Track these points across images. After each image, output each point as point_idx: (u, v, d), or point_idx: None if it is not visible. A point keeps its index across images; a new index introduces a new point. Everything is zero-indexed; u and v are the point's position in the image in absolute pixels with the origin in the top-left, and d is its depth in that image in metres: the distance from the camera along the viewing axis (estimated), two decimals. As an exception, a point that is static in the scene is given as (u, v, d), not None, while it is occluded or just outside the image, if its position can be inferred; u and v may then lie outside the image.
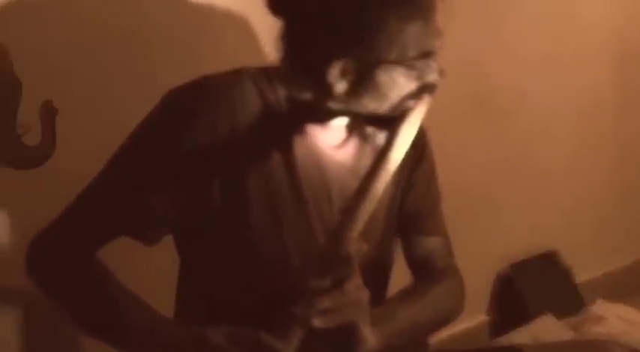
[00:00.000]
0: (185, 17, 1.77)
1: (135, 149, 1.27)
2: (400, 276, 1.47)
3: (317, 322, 1.14)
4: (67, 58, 1.62)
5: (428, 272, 1.45)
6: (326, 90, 1.21)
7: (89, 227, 1.28)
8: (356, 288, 1.17)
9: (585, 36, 2.73)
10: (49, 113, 1.60)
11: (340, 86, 1.20)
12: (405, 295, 1.39)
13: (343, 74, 1.19)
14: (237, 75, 1.29)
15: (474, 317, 2.54)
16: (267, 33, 1.79)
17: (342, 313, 1.16)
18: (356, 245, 1.17)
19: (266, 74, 1.29)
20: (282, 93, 1.28)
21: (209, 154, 1.23)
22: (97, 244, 1.28)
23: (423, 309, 1.37)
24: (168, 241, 1.37)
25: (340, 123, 1.31)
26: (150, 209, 1.25)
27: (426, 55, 1.21)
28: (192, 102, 1.24)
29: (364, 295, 1.19)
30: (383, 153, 1.22)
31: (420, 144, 1.42)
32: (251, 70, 1.30)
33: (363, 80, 1.20)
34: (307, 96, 1.25)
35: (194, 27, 1.78)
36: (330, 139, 1.32)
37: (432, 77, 1.24)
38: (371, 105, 1.23)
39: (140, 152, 1.27)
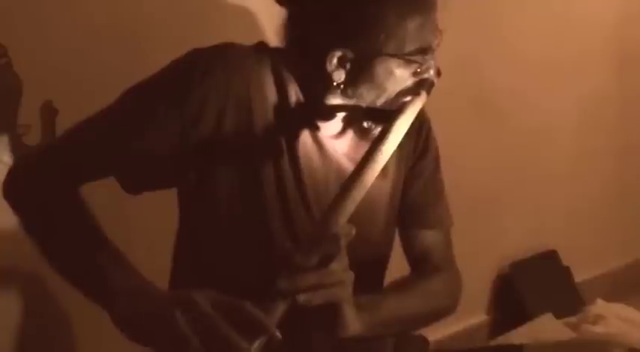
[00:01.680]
0: (185, 17, 1.77)
1: (143, 89, 1.27)
2: (398, 270, 1.47)
3: (300, 298, 1.13)
4: (67, 58, 1.62)
5: (425, 266, 1.46)
6: (325, 80, 1.23)
7: (76, 158, 1.27)
8: (342, 269, 1.17)
9: (585, 37, 2.73)
10: (49, 113, 1.61)
11: (338, 75, 1.23)
12: (396, 286, 1.40)
13: (341, 63, 1.22)
14: (259, 51, 1.30)
15: (473, 317, 2.55)
16: (267, 31, 1.80)
17: (325, 291, 1.16)
18: (345, 228, 1.17)
19: (285, 59, 1.30)
20: (294, 80, 1.29)
21: (218, 115, 1.24)
22: (81, 177, 1.27)
23: (412, 302, 1.37)
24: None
25: (339, 114, 1.32)
26: (145, 149, 1.24)
27: (424, 50, 1.23)
28: (211, 60, 1.25)
29: (349, 276, 1.19)
30: (376, 144, 1.23)
31: (423, 136, 1.44)
32: (273, 51, 1.31)
33: (360, 70, 1.22)
34: (310, 86, 1.27)
35: (194, 27, 1.78)
36: (330, 128, 1.33)
37: (429, 73, 1.26)
38: (368, 96, 1.26)
39: (147, 93, 1.26)
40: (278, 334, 1.10)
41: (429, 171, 1.46)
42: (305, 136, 1.30)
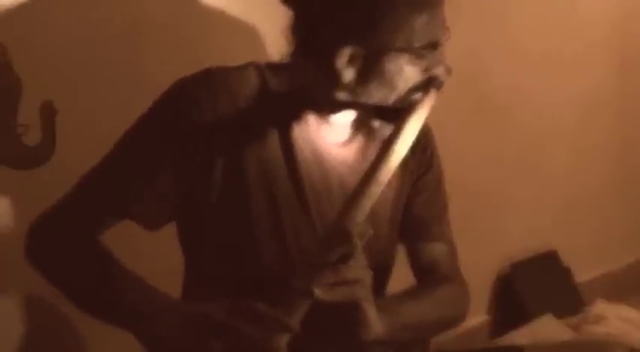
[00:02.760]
0: (185, 16, 1.77)
1: (139, 131, 1.30)
2: (401, 283, 1.47)
3: (320, 293, 1.13)
4: (66, 57, 1.62)
5: (433, 277, 1.45)
6: (334, 79, 1.23)
7: (91, 209, 1.29)
8: (360, 267, 1.18)
9: (586, 33, 2.73)
10: (49, 113, 1.60)
11: (348, 74, 1.22)
12: (409, 293, 1.40)
13: (351, 61, 1.22)
14: (242, 65, 1.33)
15: (474, 317, 2.54)
16: (267, 31, 1.80)
17: (345, 288, 1.16)
18: (362, 226, 1.18)
19: (272, 67, 1.32)
20: (286, 84, 1.30)
21: (210, 137, 1.26)
22: (99, 227, 1.30)
23: (427, 307, 1.37)
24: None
25: (346, 120, 1.33)
26: (152, 188, 1.27)
27: (432, 45, 1.24)
28: (196, 88, 1.27)
29: (367, 275, 1.19)
30: (389, 143, 1.24)
31: (428, 153, 1.45)
32: (259, 63, 1.33)
33: (370, 67, 1.22)
34: (316, 86, 1.27)
35: (194, 26, 1.78)
36: (335, 137, 1.34)
37: (438, 70, 1.26)
38: (378, 94, 1.25)
39: (144, 134, 1.29)
40: (297, 327, 1.12)
41: (433, 185, 1.47)
42: (305, 144, 1.31)
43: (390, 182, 1.29)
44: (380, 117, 1.30)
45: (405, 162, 1.26)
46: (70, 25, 1.62)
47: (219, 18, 1.81)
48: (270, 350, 1.12)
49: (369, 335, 1.21)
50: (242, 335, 1.11)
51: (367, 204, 1.19)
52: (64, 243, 1.28)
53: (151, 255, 1.60)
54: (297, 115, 1.30)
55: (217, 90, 1.27)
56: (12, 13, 1.54)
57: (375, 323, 1.21)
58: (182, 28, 1.76)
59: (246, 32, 1.84)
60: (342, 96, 1.26)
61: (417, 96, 1.26)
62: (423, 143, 1.42)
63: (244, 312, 1.13)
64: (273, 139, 1.30)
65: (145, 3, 1.72)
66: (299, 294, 1.14)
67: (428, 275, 1.46)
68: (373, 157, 1.26)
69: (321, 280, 1.14)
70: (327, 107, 1.30)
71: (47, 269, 1.30)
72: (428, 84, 1.26)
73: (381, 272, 1.42)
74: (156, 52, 1.73)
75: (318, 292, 1.13)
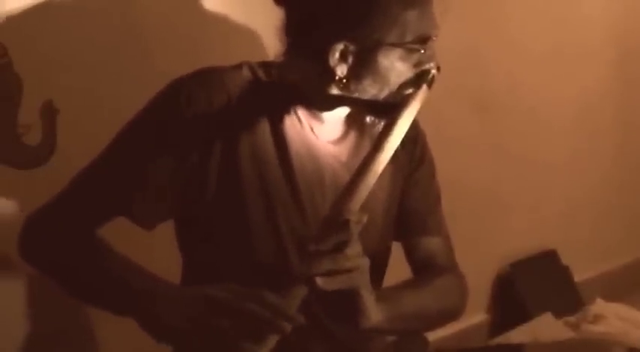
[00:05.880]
0: (185, 16, 1.77)
1: (135, 130, 1.31)
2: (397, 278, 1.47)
3: (319, 281, 1.15)
4: (67, 57, 1.62)
5: (431, 270, 1.46)
6: (328, 76, 1.25)
7: (86, 206, 1.30)
8: (356, 255, 1.19)
9: (586, 31, 2.73)
10: (49, 113, 1.60)
11: (341, 69, 1.24)
12: (409, 283, 1.41)
13: (344, 57, 1.23)
14: (236, 65, 1.35)
15: (473, 317, 2.54)
16: (265, 25, 1.80)
17: (343, 276, 1.17)
18: (357, 215, 1.19)
19: (265, 65, 1.34)
20: (279, 82, 1.32)
21: (205, 136, 1.28)
22: (95, 223, 1.31)
23: (427, 298, 1.38)
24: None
25: (339, 117, 1.34)
26: (147, 186, 1.28)
27: (423, 40, 1.25)
28: (191, 87, 1.29)
29: (364, 262, 1.20)
30: (382, 135, 1.25)
31: (419, 147, 1.47)
32: (252, 63, 1.35)
33: (363, 63, 1.24)
34: (309, 83, 1.29)
35: (195, 26, 1.78)
36: (328, 134, 1.36)
37: (429, 65, 1.28)
38: (371, 90, 1.27)
39: (140, 132, 1.30)
40: (301, 318, 1.13)
41: (426, 179, 1.49)
42: (298, 140, 1.32)
43: (382, 175, 1.31)
44: (371, 113, 1.31)
45: (396, 156, 1.28)
46: (70, 26, 1.62)
47: (219, 18, 1.81)
48: (276, 330, 1.13)
49: (367, 323, 1.22)
50: (249, 315, 1.12)
51: (362, 193, 1.21)
52: (61, 238, 1.29)
53: (149, 253, 1.60)
54: (290, 113, 1.32)
55: (212, 89, 1.28)
56: (12, 13, 1.54)
57: (374, 311, 1.22)
58: (182, 28, 1.76)
59: (246, 32, 1.84)
60: (335, 92, 1.28)
61: (409, 91, 1.28)
62: (413, 136, 1.43)
63: (248, 297, 1.14)
64: (267, 137, 1.31)
65: (145, 3, 1.72)
66: (299, 282, 1.16)
67: (426, 268, 1.47)
68: (365, 153, 1.27)
69: (319, 268, 1.15)
70: (321, 104, 1.31)
71: (44, 263, 1.31)
72: (419, 79, 1.28)
73: (377, 265, 1.43)
74: (156, 52, 1.73)
75: (319, 280, 1.14)
